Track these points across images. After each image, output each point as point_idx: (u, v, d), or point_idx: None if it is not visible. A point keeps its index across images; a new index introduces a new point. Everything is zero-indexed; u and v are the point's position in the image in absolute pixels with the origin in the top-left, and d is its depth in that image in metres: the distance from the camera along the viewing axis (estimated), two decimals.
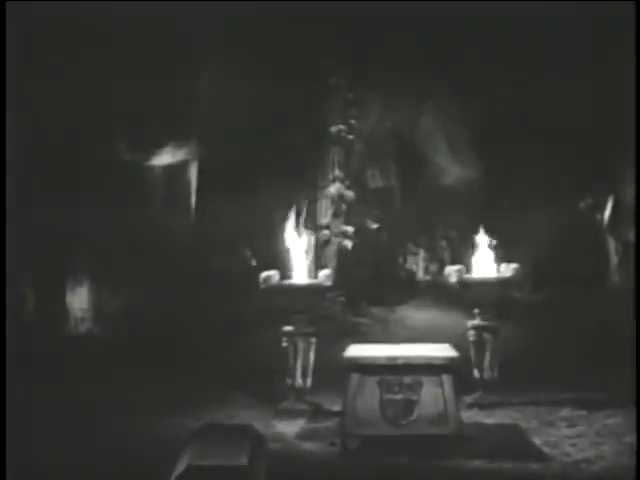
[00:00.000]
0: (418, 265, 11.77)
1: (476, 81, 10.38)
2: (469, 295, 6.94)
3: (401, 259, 11.75)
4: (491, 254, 7.10)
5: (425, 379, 5.38)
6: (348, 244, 10.91)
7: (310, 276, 6.90)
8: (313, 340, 6.64)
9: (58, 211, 8.84)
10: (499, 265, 7.01)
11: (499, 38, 9.93)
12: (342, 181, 11.04)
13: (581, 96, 9.78)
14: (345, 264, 10.72)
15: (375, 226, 11.39)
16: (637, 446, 5.07)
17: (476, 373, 6.76)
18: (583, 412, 6.19)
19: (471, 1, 9.32)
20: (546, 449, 5.38)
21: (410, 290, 11.31)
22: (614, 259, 10.48)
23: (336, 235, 10.85)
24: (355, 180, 11.35)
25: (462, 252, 8.20)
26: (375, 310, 10.56)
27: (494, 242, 7.17)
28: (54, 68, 8.41)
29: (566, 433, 5.73)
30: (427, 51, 10.47)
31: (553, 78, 9.94)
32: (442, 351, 5.65)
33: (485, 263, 7.07)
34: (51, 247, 9.02)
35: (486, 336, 6.77)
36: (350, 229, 10.98)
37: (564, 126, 10.10)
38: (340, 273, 9.78)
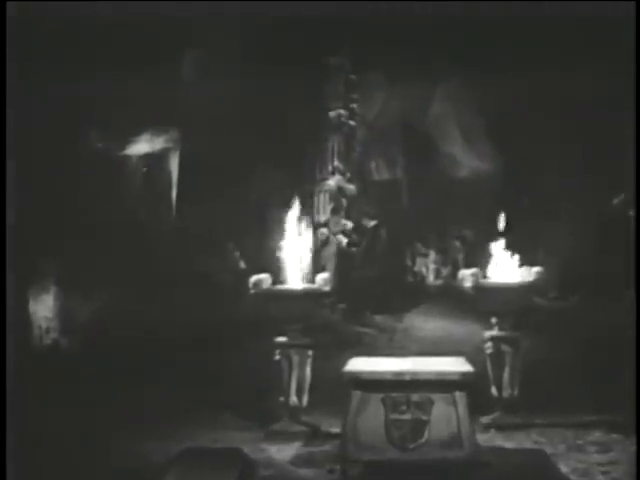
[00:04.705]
0: (428, 268, 11.77)
1: (494, 63, 10.42)
2: (486, 302, 6.94)
3: (409, 261, 11.74)
4: (511, 256, 7.08)
5: (436, 397, 5.36)
6: (349, 243, 10.90)
7: (306, 280, 6.89)
8: (309, 353, 6.64)
9: (21, 206, 8.80)
10: (520, 268, 7.00)
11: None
12: (342, 173, 11.03)
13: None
14: (346, 266, 10.70)
15: (372, 223, 11.38)
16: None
17: (494, 390, 6.76)
18: (616, 436, 6.17)
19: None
20: (574, 477, 5.35)
21: (419, 296, 11.31)
22: None
23: (335, 234, 10.84)
24: (357, 172, 11.34)
25: (478, 254, 8.19)
26: (380, 319, 10.55)
27: (514, 242, 7.14)
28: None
29: (597, 459, 5.72)
30: (439, 28, 10.47)
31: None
32: (455, 365, 5.62)
33: (504, 266, 7.06)
34: (13, 247, 8.98)
35: (505, 348, 6.77)
36: (351, 227, 10.97)
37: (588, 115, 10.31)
38: (340, 277, 9.77)
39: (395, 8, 10.26)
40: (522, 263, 7.05)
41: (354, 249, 10.98)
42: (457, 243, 11.73)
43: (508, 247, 7.11)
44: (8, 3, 5.93)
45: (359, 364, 5.77)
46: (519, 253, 7.12)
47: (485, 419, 6.59)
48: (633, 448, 5.88)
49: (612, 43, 9.23)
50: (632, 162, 8.28)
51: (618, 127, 9.92)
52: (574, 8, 9.41)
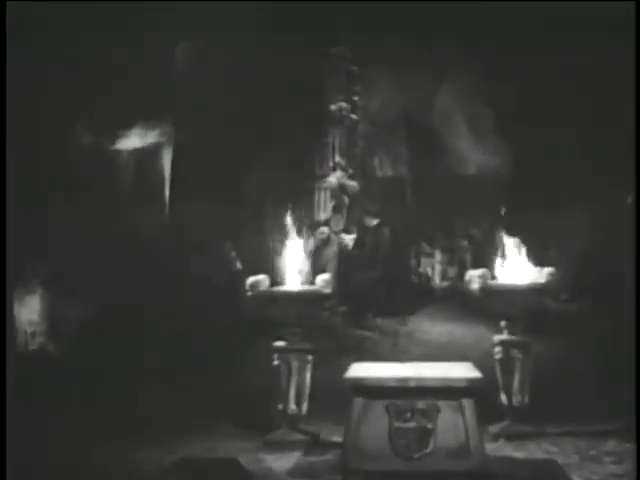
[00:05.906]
0: (434, 269, 11.75)
1: (503, 53, 10.43)
2: (494, 304, 6.92)
3: (414, 262, 11.72)
4: (521, 256, 7.07)
5: (442, 404, 5.34)
6: (350, 244, 10.89)
7: (306, 282, 6.88)
8: (309, 358, 6.63)
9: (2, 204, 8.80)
10: (530, 269, 6.98)
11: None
12: (344, 169, 11.02)
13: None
14: (347, 267, 10.69)
15: (375, 222, 11.37)
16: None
17: (503, 397, 6.74)
18: (631, 445, 6.14)
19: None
20: None
21: (424, 298, 11.29)
22: None
23: (336, 233, 10.82)
24: (359, 168, 11.32)
25: (486, 254, 8.16)
26: (383, 322, 10.53)
27: (524, 242, 7.13)
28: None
29: (612, 470, 5.69)
30: (445, 16, 10.47)
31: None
32: (462, 371, 5.62)
33: (513, 267, 7.04)
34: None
35: (515, 353, 6.75)
36: (353, 226, 10.96)
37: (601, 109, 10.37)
38: (341, 278, 9.75)
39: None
40: (533, 263, 7.03)
41: (356, 249, 10.97)
42: (464, 242, 11.72)
43: (517, 247, 7.11)
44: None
45: (361, 370, 5.76)
46: (528, 253, 7.12)
47: (494, 428, 6.57)
48: None
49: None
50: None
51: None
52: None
